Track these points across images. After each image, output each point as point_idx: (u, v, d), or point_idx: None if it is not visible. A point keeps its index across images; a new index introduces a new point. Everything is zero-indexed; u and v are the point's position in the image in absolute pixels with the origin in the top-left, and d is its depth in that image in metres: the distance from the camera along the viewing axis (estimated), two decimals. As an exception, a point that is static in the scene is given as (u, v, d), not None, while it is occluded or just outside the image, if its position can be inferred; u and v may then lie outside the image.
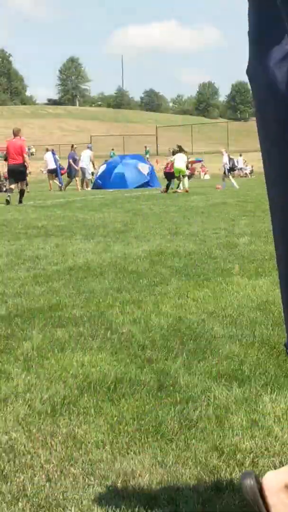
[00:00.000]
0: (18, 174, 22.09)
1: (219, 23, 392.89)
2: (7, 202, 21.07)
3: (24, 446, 2.99)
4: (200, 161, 54.85)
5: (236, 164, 38.10)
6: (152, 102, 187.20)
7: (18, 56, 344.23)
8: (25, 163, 22.11)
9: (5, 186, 32.44)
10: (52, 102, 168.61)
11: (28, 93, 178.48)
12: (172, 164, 28.61)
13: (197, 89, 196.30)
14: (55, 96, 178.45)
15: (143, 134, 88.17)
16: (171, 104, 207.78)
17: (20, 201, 21.54)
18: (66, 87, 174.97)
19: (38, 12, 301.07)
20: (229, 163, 32.35)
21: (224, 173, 32.30)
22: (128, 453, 2.91)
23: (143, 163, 34.17)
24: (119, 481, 2.66)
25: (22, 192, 21.96)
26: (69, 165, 33.64)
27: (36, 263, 8.31)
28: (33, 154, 33.25)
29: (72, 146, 35.45)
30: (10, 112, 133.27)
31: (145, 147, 62.28)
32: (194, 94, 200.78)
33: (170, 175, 29.05)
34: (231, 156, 34.30)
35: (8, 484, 2.64)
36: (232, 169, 33.11)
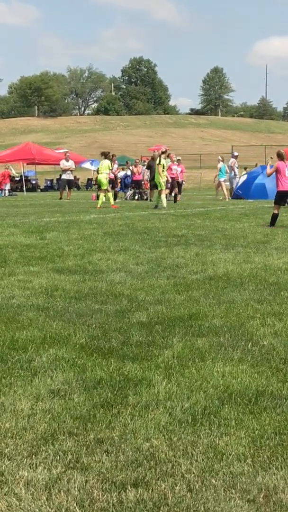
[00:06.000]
0: None
1: None
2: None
3: (165, 454, 3.00)
4: None
5: None
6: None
7: (163, 66, 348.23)
8: None
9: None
10: (194, 112, 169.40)
11: (171, 103, 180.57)
12: None
13: None
14: (197, 106, 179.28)
15: (285, 144, 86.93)
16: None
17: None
18: (209, 97, 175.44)
19: (181, 23, 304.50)
20: None
21: None
22: (270, 468, 2.87)
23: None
24: (261, 496, 2.61)
25: None
26: None
27: (176, 272, 8.36)
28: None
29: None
30: (153, 121, 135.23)
31: None
32: None
33: None
34: None
35: (149, 491, 2.66)
36: None
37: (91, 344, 4.90)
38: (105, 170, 25.02)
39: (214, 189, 33.80)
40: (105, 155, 25.71)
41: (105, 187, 25.08)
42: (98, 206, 24.34)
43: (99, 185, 25.70)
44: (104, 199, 24.99)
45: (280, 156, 15.65)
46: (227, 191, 33.33)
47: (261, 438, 3.16)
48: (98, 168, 26.24)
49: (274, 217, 15.33)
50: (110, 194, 25.63)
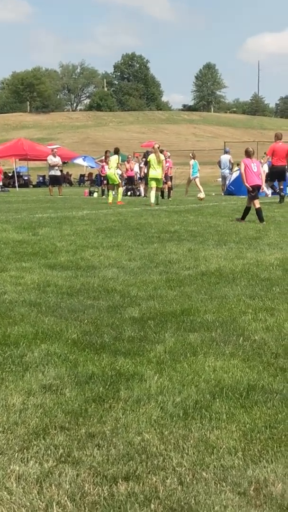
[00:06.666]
0: (281, 174, 24.02)
1: None
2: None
3: (157, 448, 3.01)
4: None
5: None
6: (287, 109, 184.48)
7: (155, 62, 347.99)
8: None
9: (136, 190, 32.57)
10: (187, 108, 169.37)
11: (163, 99, 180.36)
12: None
13: None
14: (190, 102, 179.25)
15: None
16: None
17: (280, 201, 23.39)
18: (202, 93, 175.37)
19: (174, 19, 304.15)
20: None
21: None
22: (260, 461, 2.88)
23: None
24: (251, 489, 2.63)
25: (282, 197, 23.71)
26: None
27: (168, 267, 8.36)
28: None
29: None
30: (146, 117, 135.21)
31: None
32: None
33: None
34: None
35: (141, 485, 2.67)
36: None
37: (83, 339, 4.91)
38: (113, 166, 25.22)
39: (206, 185, 33.76)
40: (116, 152, 25.81)
41: (117, 182, 25.32)
42: (109, 200, 24.65)
43: (108, 181, 25.99)
44: (113, 194, 25.32)
45: (247, 153, 15.76)
46: (190, 187, 33.18)
47: (252, 431, 3.18)
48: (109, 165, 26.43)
49: (259, 212, 15.29)
50: (111, 193, 25.73)
